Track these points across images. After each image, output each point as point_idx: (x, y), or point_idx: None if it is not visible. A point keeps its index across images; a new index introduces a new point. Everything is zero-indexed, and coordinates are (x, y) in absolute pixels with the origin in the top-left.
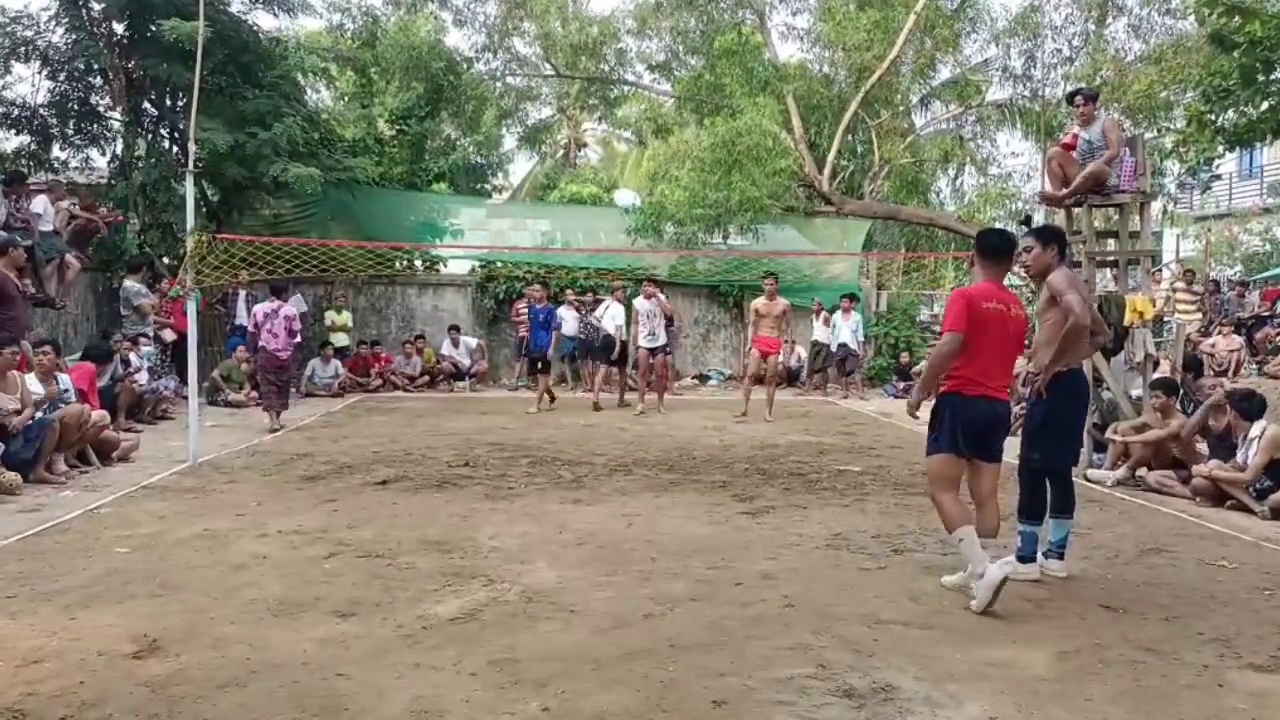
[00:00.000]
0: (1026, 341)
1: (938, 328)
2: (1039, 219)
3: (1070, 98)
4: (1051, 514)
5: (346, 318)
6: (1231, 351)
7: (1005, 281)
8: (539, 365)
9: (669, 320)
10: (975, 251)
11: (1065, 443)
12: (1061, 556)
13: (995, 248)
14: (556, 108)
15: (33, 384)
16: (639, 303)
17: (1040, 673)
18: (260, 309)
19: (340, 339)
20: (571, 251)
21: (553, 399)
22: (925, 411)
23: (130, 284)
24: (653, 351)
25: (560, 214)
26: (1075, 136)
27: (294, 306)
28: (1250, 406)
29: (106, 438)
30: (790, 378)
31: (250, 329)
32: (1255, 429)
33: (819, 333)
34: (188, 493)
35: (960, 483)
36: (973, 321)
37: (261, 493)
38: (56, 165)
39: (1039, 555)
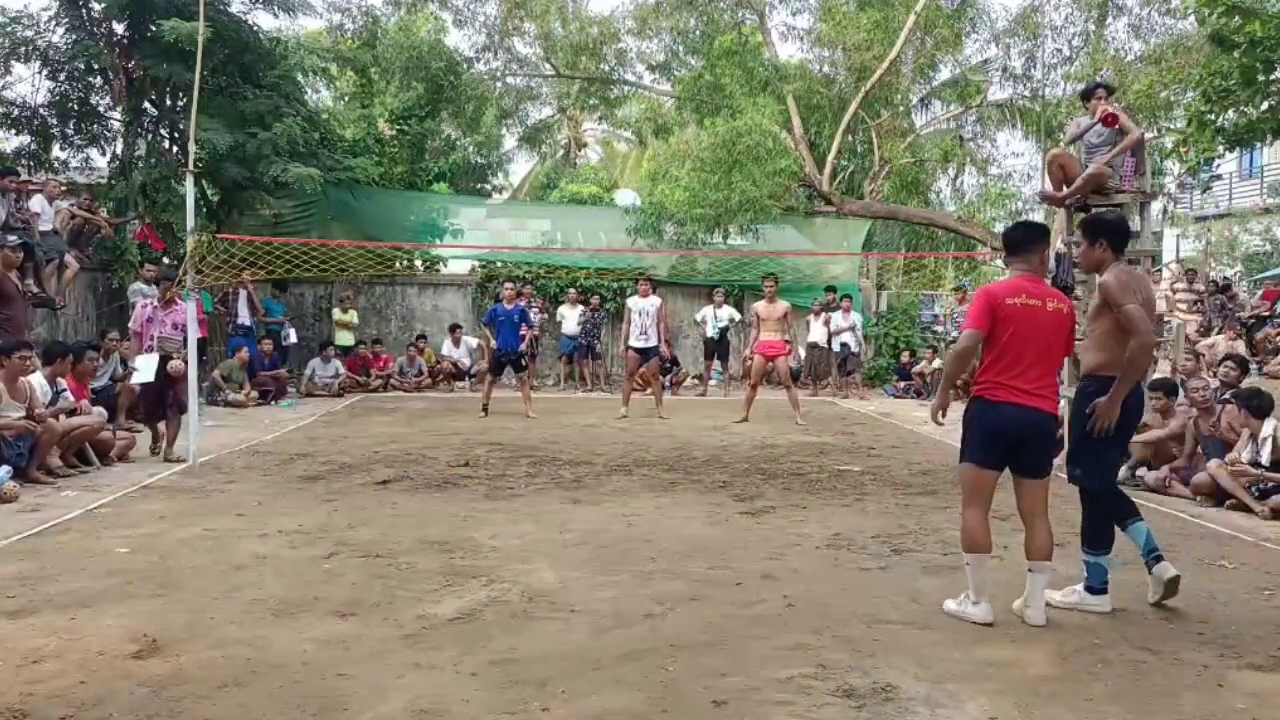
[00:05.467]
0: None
1: (939, 328)
2: (1041, 217)
3: (1089, 93)
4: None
5: (353, 316)
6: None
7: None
8: (521, 366)
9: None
10: (1004, 251)
11: (1104, 459)
12: (1161, 558)
13: (1016, 240)
14: (556, 108)
15: (38, 384)
16: (634, 301)
17: (1040, 673)
18: (148, 306)
19: (346, 338)
20: (571, 251)
21: (485, 410)
22: (950, 416)
23: (136, 283)
24: (643, 353)
25: (560, 214)
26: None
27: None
28: (1261, 404)
29: (103, 437)
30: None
31: (136, 330)
32: (1267, 428)
33: (816, 334)
34: (188, 493)
35: (991, 499)
36: (996, 319)
37: (261, 493)
38: (56, 165)
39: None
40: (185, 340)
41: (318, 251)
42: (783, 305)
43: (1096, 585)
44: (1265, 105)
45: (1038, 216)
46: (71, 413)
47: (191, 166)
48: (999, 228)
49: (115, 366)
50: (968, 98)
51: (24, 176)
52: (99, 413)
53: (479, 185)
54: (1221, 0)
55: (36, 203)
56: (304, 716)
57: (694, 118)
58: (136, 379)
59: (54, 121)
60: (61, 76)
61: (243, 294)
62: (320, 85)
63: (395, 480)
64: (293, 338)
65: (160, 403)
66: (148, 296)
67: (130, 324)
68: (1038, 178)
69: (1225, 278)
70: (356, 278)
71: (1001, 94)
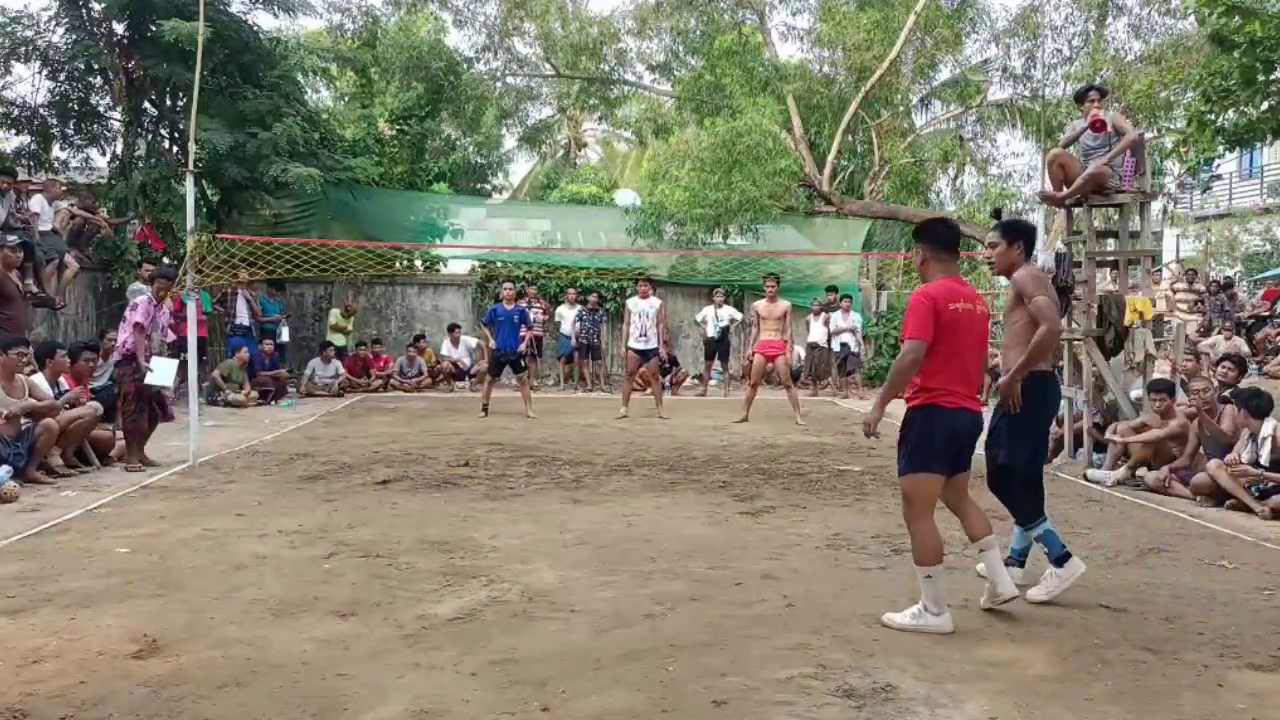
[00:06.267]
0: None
1: None
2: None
3: (1082, 95)
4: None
5: (350, 323)
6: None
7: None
8: (520, 366)
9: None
10: (925, 246)
11: (1032, 446)
12: (1022, 564)
13: (950, 239)
14: (556, 108)
15: (41, 383)
16: (633, 302)
17: (1040, 672)
18: (149, 304)
19: (338, 339)
20: (571, 251)
21: (485, 410)
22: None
23: (136, 283)
24: (643, 354)
25: (560, 214)
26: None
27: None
28: (1260, 404)
29: (101, 436)
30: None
31: (141, 323)
32: (1266, 428)
33: (816, 333)
34: (188, 493)
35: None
36: (941, 326)
37: (261, 493)
38: (56, 165)
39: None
40: (183, 346)
41: (318, 251)
42: (783, 305)
43: (1058, 553)
44: (1265, 105)
45: (1037, 216)
46: (71, 404)
47: (191, 166)
48: None
49: (115, 366)
50: (968, 98)
51: (23, 176)
52: (93, 406)
53: (479, 185)
54: (1221, 0)
55: (36, 203)
56: (304, 716)
57: (694, 118)
58: (152, 380)
59: (54, 121)
60: (61, 76)
61: (241, 294)
62: (320, 85)
63: (395, 480)
64: (284, 335)
65: (158, 410)
66: (140, 295)
67: (136, 318)
68: (1038, 178)
69: (1227, 277)
70: (356, 278)
71: (1001, 94)
